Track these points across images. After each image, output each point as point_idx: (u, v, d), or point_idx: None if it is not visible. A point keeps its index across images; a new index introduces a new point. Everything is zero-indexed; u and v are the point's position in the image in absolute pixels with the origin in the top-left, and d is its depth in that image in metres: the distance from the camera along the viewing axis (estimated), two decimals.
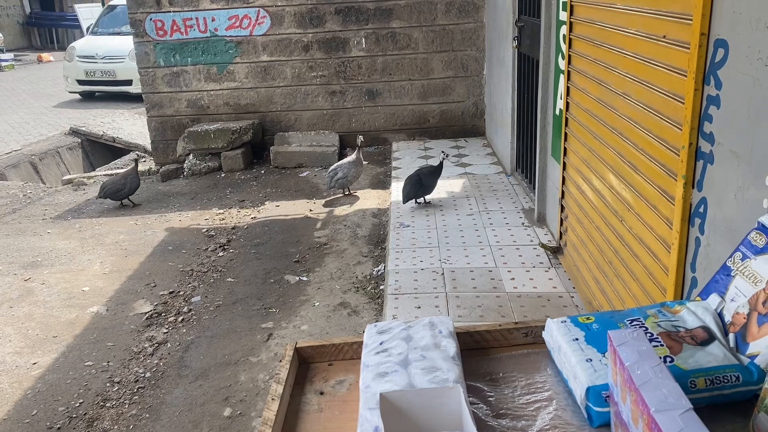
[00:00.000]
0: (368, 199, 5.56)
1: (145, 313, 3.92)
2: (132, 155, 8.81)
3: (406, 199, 4.77)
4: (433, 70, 6.94)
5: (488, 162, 6.02)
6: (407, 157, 6.34)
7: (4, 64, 17.15)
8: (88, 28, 14.46)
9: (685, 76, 2.05)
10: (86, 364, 3.42)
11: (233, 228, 5.17)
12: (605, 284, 2.99)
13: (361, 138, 5.64)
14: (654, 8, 2.33)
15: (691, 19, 2.00)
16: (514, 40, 5.01)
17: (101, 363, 3.43)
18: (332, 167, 5.58)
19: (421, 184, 4.77)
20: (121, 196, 5.73)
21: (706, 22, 1.92)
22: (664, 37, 2.24)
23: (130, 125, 9.74)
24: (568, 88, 3.51)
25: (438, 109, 7.01)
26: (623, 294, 2.76)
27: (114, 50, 11.73)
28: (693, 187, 2.07)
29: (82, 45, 12.20)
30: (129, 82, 11.63)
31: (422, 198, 4.87)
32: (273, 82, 7.01)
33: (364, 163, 5.71)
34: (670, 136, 2.21)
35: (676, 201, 2.15)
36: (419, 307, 3.38)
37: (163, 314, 3.90)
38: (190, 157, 6.90)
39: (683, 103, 2.07)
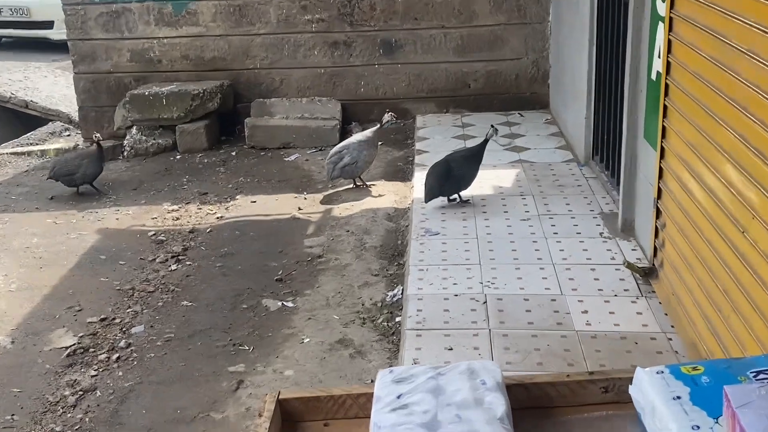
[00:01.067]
0: (381, 194, 5.66)
1: (66, 347, 3.94)
2: (52, 124, 8.86)
3: (428, 197, 4.83)
4: (477, 14, 6.87)
5: (552, 145, 6.06)
6: (437, 137, 6.37)
7: None
8: None
9: None
10: None
11: (191, 232, 5.28)
12: (718, 322, 3.00)
13: (391, 115, 5.69)
14: None
15: None
16: None
17: (3, 417, 3.43)
18: (335, 149, 5.67)
19: (450, 174, 4.81)
20: (74, 181, 5.95)
21: None
22: None
23: (49, 84, 9.83)
24: (669, 43, 3.53)
25: (483, 69, 7.04)
26: (743, 336, 2.73)
27: None
28: None
29: None
30: (49, 24, 11.73)
31: (455, 195, 4.94)
32: (251, 27, 7.02)
33: (378, 144, 5.81)
34: None
35: None
36: (451, 349, 3.43)
37: (90, 350, 3.93)
38: (134, 131, 6.99)
39: None
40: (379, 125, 5.73)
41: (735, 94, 2.78)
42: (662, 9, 3.65)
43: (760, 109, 2.58)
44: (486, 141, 4.95)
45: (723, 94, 2.90)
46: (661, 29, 3.67)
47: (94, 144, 6.12)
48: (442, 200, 4.98)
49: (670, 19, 3.51)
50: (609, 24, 4.96)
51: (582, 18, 5.51)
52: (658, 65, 3.75)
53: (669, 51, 3.54)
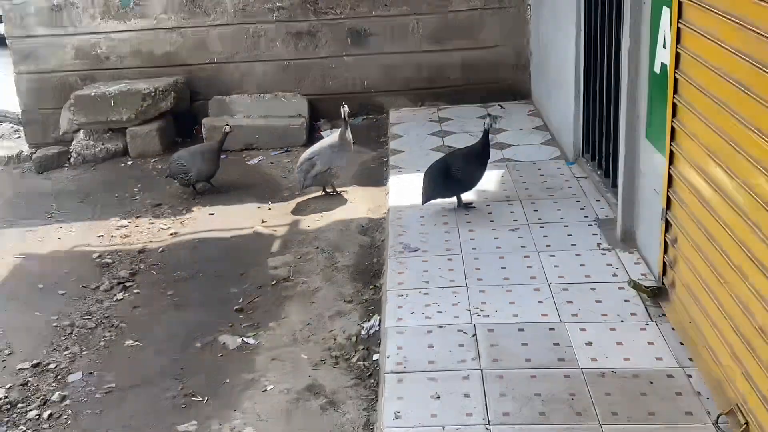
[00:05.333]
0: (354, 202, 5.46)
1: None
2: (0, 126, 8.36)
3: (424, 199, 4.79)
4: None
5: (537, 140, 5.90)
6: (413, 133, 6.26)
7: None
8: None
9: None
10: None
11: (141, 252, 5.03)
12: (746, 356, 2.71)
13: (346, 108, 5.48)
14: None
15: None
16: None
17: None
18: (305, 156, 5.54)
19: (448, 175, 4.68)
20: (189, 180, 5.75)
21: None
22: None
23: None
24: (678, 31, 3.28)
25: (459, 58, 6.89)
26: None
27: None
28: None
29: None
30: None
31: (456, 197, 4.81)
32: (205, 18, 6.81)
33: (352, 142, 5.60)
34: None
35: None
36: (438, 397, 3.13)
37: (19, 405, 3.57)
38: (81, 135, 6.73)
39: None
40: (344, 124, 5.40)
41: (763, 91, 2.53)
42: None
43: None
44: (486, 133, 4.71)
45: (748, 91, 2.63)
46: (667, 14, 3.47)
47: (223, 134, 5.81)
48: (429, 205, 4.81)
49: (679, 3, 3.24)
50: (599, 6, 4.74)
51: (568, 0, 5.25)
52: (664, 56, 3.55)
53: (678, 41, 3.31)
